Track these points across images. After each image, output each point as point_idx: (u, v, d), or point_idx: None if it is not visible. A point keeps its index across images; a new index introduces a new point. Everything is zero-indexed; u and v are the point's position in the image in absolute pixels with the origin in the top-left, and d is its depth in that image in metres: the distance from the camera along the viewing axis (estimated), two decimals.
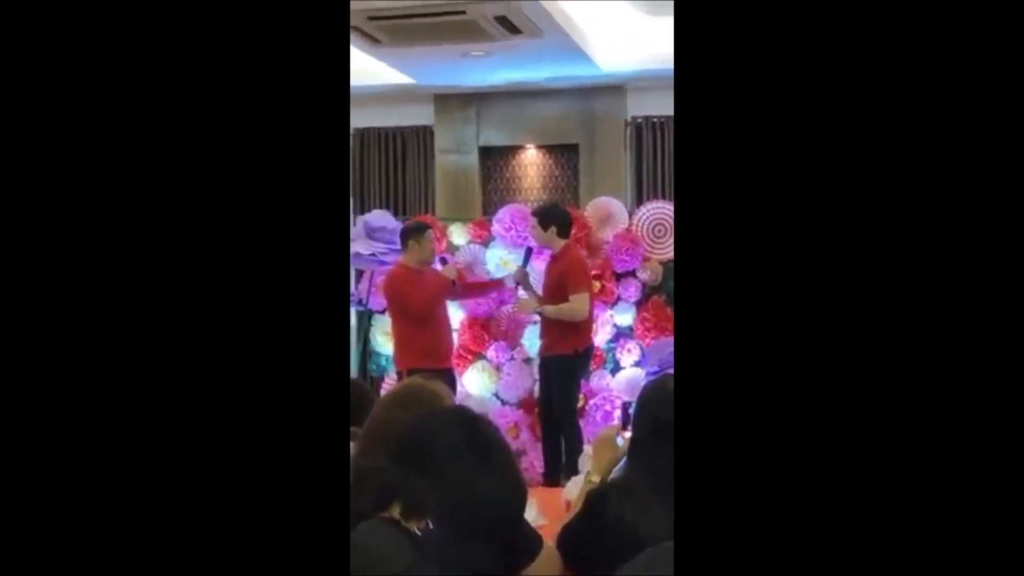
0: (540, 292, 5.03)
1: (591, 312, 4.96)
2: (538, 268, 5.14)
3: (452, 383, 4.96)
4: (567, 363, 4.90)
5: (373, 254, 5.24)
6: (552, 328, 4.91)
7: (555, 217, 4.96)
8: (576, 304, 4.82)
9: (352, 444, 2.29)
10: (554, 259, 4.95)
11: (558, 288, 4.86)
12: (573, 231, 5.28)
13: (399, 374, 4.88)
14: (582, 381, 5.30)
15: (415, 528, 1.56)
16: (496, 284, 5.25)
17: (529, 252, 5.09)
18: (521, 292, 5.14)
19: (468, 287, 5.22)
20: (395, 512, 1.60)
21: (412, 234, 4.99)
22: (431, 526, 1.56)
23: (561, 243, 4.93)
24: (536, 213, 5.05)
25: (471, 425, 1.68)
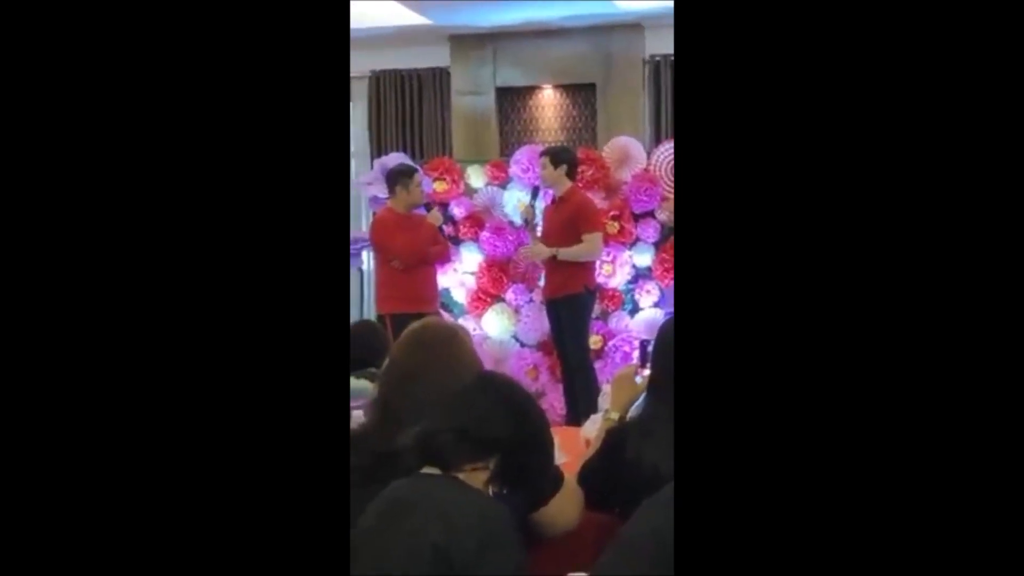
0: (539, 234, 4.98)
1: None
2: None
3: None
4: (579, 301, 4.88)
5: None
6: (560, 269, 4.86)
7: (566, 158, 4.92)
8: (592, 244, 4.81)
9: (372, 385, 2.31)
10: (560, 200, 4.88)
11: (566, 229, 4.81)
12: (591, 172, 5.27)
13: (380, 318, 4.82)
14: (600, 322, 5.31)
15: (491, 490, 1.60)
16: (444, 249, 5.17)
17: (536, 190, 5.03)
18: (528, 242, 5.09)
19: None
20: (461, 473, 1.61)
21: (399, 178, 4.94)
22: (504, 492, 1.61)
23: (567, 184, 4.88)
24: (547, 152, 4.99)
25: (509, 394, 1.73)
